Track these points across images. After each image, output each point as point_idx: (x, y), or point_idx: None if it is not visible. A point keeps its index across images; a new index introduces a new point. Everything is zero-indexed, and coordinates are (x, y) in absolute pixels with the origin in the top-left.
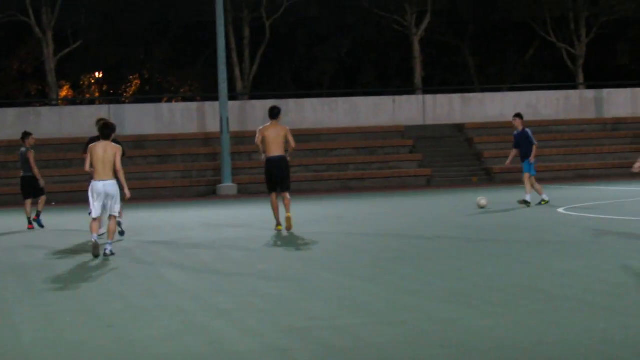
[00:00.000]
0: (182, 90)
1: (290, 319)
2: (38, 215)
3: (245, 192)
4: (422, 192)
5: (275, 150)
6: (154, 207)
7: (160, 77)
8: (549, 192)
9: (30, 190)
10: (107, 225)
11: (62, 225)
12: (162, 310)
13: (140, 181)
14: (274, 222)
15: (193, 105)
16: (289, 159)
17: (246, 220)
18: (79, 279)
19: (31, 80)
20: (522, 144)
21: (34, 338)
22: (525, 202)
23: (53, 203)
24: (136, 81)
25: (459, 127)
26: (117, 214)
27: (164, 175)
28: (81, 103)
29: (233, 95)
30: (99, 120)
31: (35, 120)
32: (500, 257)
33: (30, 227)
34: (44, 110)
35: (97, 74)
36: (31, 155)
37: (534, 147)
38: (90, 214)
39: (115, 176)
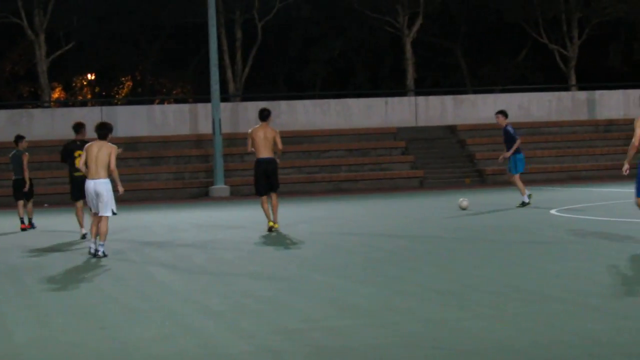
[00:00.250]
0: (174, 92)
1: (283, 320)
2: (30, 222)
3: (238, 194)
4: (415, 194)
5: (265, 152)
6: (146, 208)
7: (152, 78)
8: (542, 194)
9: (22, 192)
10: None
11: (55, 226)
12: (155, 311)
13: (132, 183)
14: (267, 223)
15: (185, 107)
16: (278, 160)
17: (239, 221)
18: (71, 280)
19: (23, 82)
20: (505, 140)
21: (27, 339)
22: (523, 204)
23: (45, 205)
24: (128, 83)
25: (452, 129)
26: (109, 215)
27: (157, 176)
28: (73, 105)
29: (225, 97)
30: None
31: (27, 122)
32: (492, 259)
33: (24, 227)
34: (36, 112)
35: (89, 76)
36: (26, 158)
37: (517, 142)
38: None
39: (110, 176)
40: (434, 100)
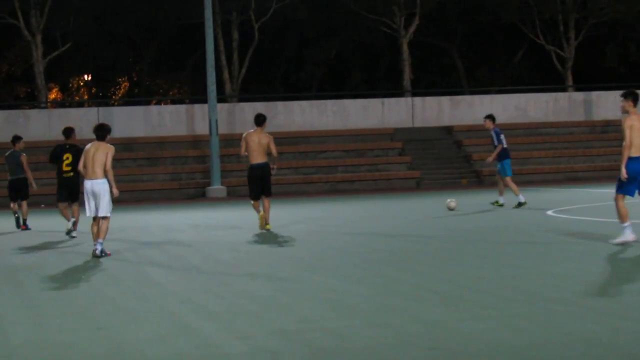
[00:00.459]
0: (171, 93)
1: (280, 321)
2: (25, 223)
3: (234, 195)
4: (411, 195)
5: (258, 157)
6: (143, 209)
7: (149, 79)
8: (538, 195)
9: (17, 192)
10: (94, 226)
11: (52, 227)
12: (151, 312)
13: (129, 183)
14: (259, 224)
15: (182, 107)
16: (274, 166)
17: (235, 222)
18: (68, 280)
19: (20, 82)
20: (493, 144)
21: (23, 340)
22: (520, 204)
23: (42, 205)
24: (125, 84)
25: (448, 130)
26: (108, 215)
27: (153, 177)
28: (70, 105)
29: (222, 98)
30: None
31: (24, 122)
32: (489, 260)
33: (24, 228)
34: (33, 112)
35: (86, 77)
36: (25, 159)
37: (498, 147)
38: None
39: (106, 176)
40: (430, 101)
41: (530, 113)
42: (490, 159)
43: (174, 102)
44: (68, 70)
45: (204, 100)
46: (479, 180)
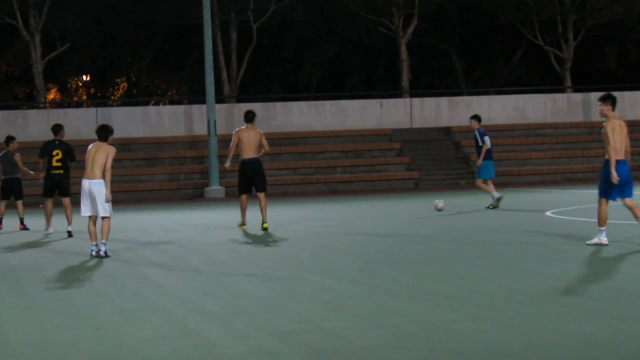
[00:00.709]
0: (169, 93)
1: (278, 321)
2: (22, 222)
3: (233, 195)
4: (410, 195)
5: (250, 152)
6: (141, 209)
7: (147, 80)
8: (537, 196)
9: (9, 192)
10: (91, 226)
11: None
12: (150, 312)
13: (128, 184)
14: (239, 221)
15: (180, 108)
16: (263, 162)
17: (233, 222)
18: (67, 280)
19: (19, 83)
20: (475, 144)
21: (22, 340)
22: (497, 201)
23: (41, 206)
24: (123, 84)
25: (446, 131)
26: (108, 215)
27: (152, 178)
28: (69, 106)
29: (220, 99)
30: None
31: (22, 122)
32: (487, 260)
33: (22, 227)
34: (32, 113)
35: (84, 77)
36: (18, 158)
37: (483, 148)
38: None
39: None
40: (429, 101)
41: (529, 114)
42: (479, 161)
43: (172, 102)
44: (67, 70)
45: (202, 100)
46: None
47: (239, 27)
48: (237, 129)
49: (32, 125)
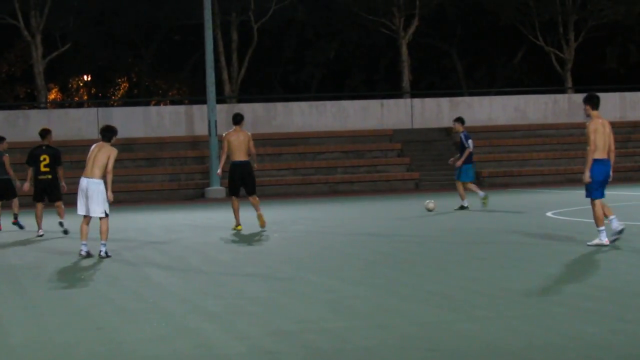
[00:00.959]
0: (170, 94)
1: (279, 321)
2: (16, 217)
3: None
4: (411, 196)
5: (240, 155)
6: (142, 209)
7: (148, 80)
8: (538, 196)
9: (2, 192)
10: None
11: (51, 227)
12: (151, 312)
13: (128, 184)
14: (234, 223)
15: (181, 108)
16: (255, 165)
17: (233, 223)
18: (67, 280)
19: (20, 83)
20: (460, 147)
21: (23, 340)
22: (462, 207)
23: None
24: (124, 84)
25: (447, 131)
26: (103, 215)
27: (152, 178)
28: (70, 106)
29: (221, 99)
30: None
31: (23, 123)
32: (488, 261)
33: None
34: (33, 113)
35: (85, 77)
36: (7, 159)
37: (466, 151)
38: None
39: (103, 178)
40: (429, 102)
41: (530, 114)
42: (459, 162)
43: (173, 102)
44: (68, 70)
45: (203, 101)
46: (478, 181)
47: (239, 27)
48: (225, 133)
49: (33, 125)
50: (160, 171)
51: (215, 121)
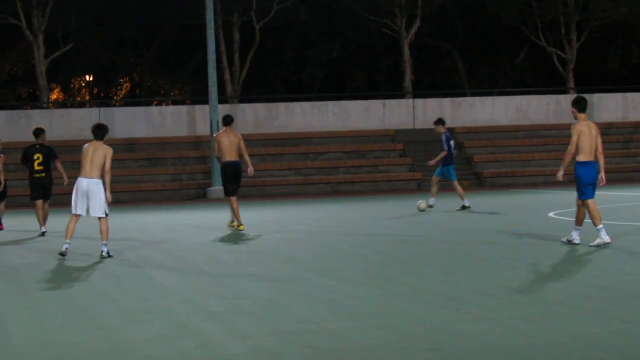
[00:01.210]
0: (172, 94)
1: (280, 321)
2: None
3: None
4: (412, 196)
5: (230, 155)
6: (144, 209)
7: (150, 80)
8: (540, 197)
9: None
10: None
11: (52, 227)
12: (152, 312)
13: (130, 184)
14: (234, 222)
15: (183, 108)
16: (251, 168)
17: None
18: (69, 280)
19: (22, 82)
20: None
21: (25, 339)
22: (464, 207)
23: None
24: (126, 84)
25: (449, 131)
26: (103, 215)
27: (154, 178)
28: (72, 106)
29: (223, 99)
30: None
31: (25, 122)
32: (490, 261)
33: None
34: (35, 112)
35: (87, 77)
36: (0, 160)
37: (442, 153)
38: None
39: (102, 177)
40: (431, 102)
41: (532, 115)
42: (431, 162)
43: (175, 102)
44: (70, 70)
45: (205, 101)
46: (480, 182)
47: (241, 27)
48: (215, 134)
49: (34, 125)
50: (162, 171)
51: (217, 121)
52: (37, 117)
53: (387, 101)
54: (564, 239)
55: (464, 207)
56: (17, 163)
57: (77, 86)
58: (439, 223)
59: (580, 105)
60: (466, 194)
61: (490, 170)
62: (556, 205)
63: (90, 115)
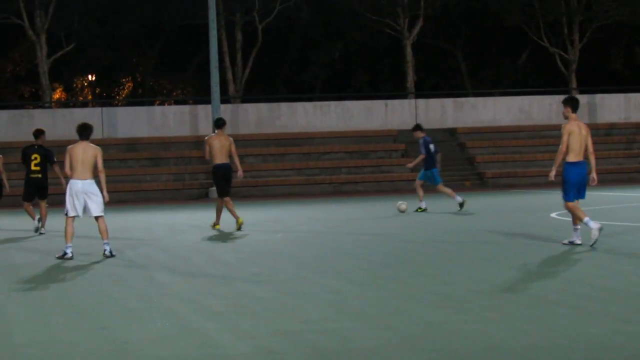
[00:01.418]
0: (174, 93)
1: (282, 322)
2: None
3: (237, 195)
4: (415, 196)
5: (221, 158)
6: (146, 209)
7: (152, 80)
8: (542, 197)
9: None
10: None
11: (53, 227)
12: (154, 312)
13: (132, 184)
14: (217, 220)
15: (185, 108)
16: (240, 171)
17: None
18: (71, 280)
19: (24, 82)
20: (426, 152)
21: (27, 339)
22: (461, 205)
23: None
24: (129, 84)
25: (452, 132)
26: (101, 214)
27: (157, 178)
28: (74, 106)
29: (225, 99)
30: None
31: (28, 122)
32: (491, 262)
33: None
34: (37, 112)
35: (90, 77)
36: (0, 161)
37: (419, 157)
38: (66, 214)
39: (95, 177)
40: (434, 102)
41: (534, 115)
42: (410, 165)
43: (177, 102)
44: (72, 70)
45: (207, 101)
46: (483, 182)
47: (244, 27)
48: (207, 137)
49: (37, 124)
50: (164, 171)
51: None
52: (39, 117)
53: (390, 101)
54: (566, 241)
55: (461, 205)
56: (19, 162)
57: (79, 86)
58: (441, 223)
59: (573, 105)
60: (468, 195)
61: (493, 170)
62: (558, 206)
63: (92, 115)
